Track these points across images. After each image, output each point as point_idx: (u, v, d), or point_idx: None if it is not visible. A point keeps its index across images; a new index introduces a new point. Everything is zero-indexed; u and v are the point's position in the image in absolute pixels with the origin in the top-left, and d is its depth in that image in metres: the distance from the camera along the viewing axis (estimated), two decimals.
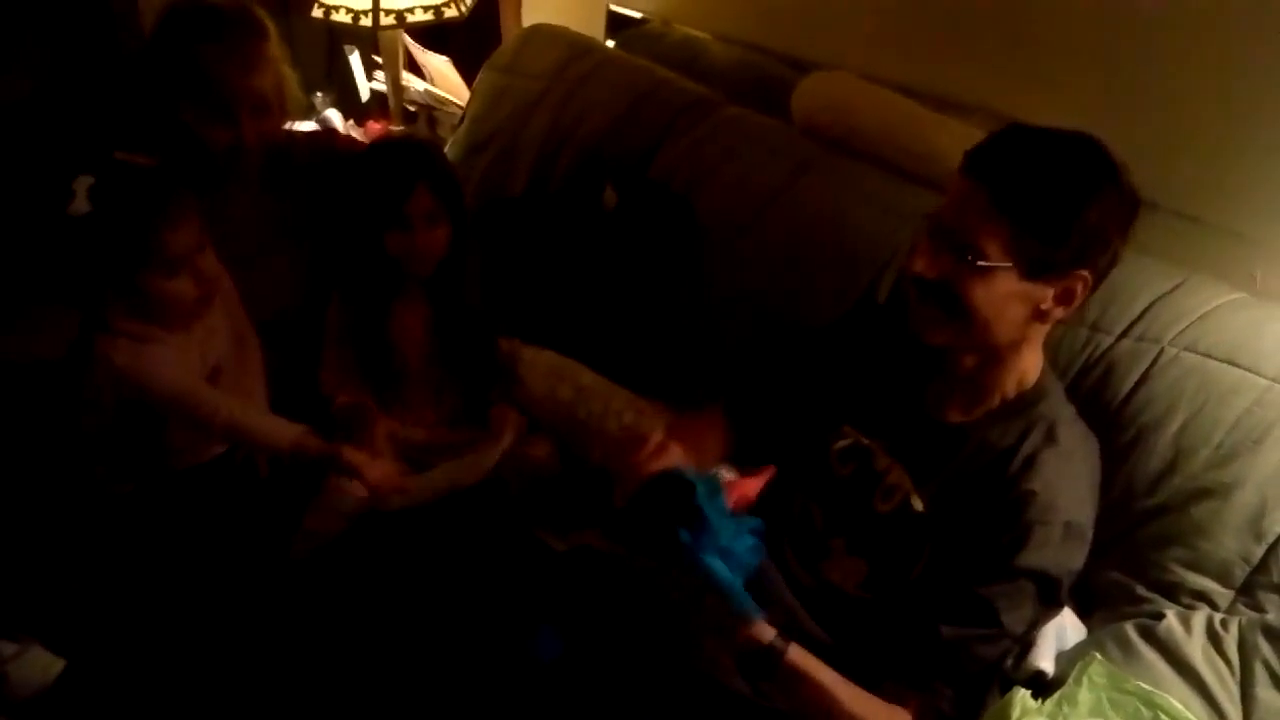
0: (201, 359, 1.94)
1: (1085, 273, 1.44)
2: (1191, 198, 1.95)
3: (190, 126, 1.99)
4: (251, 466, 1.97)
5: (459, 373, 2.11)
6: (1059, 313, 1.49)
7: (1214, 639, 1.48)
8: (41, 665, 1.70)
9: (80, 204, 1.74)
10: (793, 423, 1.76)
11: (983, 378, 1.56)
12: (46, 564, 1.85)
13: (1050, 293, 1.46)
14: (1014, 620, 1.47)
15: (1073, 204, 1.41)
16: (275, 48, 2.06)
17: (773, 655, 1.43)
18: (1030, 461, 1.49)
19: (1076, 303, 1.47)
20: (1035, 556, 1.45)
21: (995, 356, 1.54)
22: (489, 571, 1.79)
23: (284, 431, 1.88)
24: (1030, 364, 1.57)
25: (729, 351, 2.14)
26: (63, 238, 1.77)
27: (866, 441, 1.67)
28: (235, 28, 1.99)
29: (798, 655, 1.44)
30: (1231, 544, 1.54)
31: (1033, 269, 1.44)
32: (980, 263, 1.44)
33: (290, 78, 2.10)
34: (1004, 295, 1.46)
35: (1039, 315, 1.49)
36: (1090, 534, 1.52)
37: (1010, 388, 1.56)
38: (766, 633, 1.43)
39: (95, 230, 1.75)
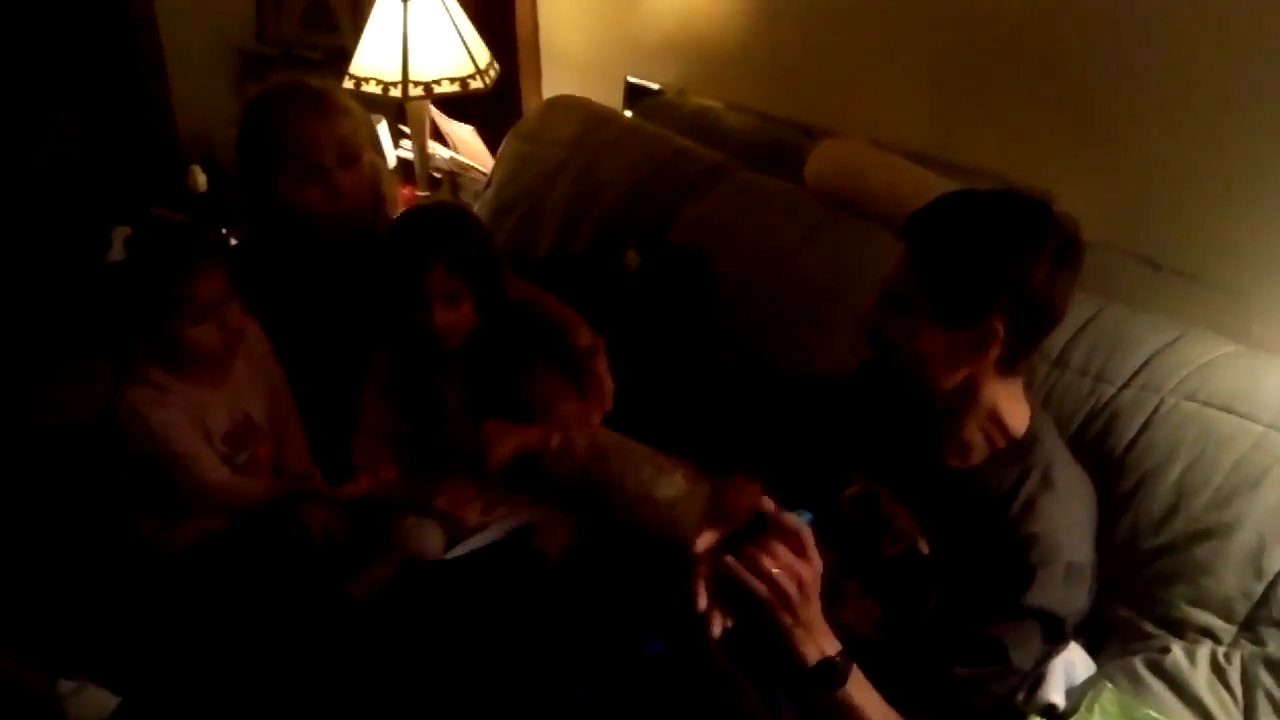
0: (228, 411, 2.01)
1: (995, 320, 1.52)
2: (1191, 257, 2.03)
3: (288, 201, 2.10)
4: (306, 537, 2.00)
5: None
6: (981, 360, 1.57)
7: (1218, 671, 1.54)
8: (98, 702, 1.75)
9: (117, 252, 1.84)
10: (807, 472, 1.83)
11: (956, 423, 1.64)
12: (103, 607, 1.91)
13: (966, 339, 1.55)
14: (1022, 657, 1.53)
15: (968, 256, 1.53)
16: (350, 101, 2.18)
17: (832, 674, 1.48)
18: (1029, 505, 1.56)
19: (994, 350, 1.55)
20: (1040, 596, 1.52)
21: (953, 401, 1.62)
22: (527, 622, 1.84)
23: (257, 489, 2.01)
24: (1009, 414, 1.64)
25: (745, 406, 2.19)
26: (99, 283, 1.85)
27: (874, 488, 1.73)
28: (307, 88, 2.13)
29: (854, 689, 1.49)
30: (1233, 581, 1.60)
31: (943, 316, 1.55)
32: (901, 310, 1.58)
33: (383, 168, 2.19)
34: (924, 341, 1.58)
35: (964, 362, 1.58)
36: (1090, 572, 1.59)
37: (995, 435, 1.64)
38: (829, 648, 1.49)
39: (129, 276, 1.85)
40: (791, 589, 1.41)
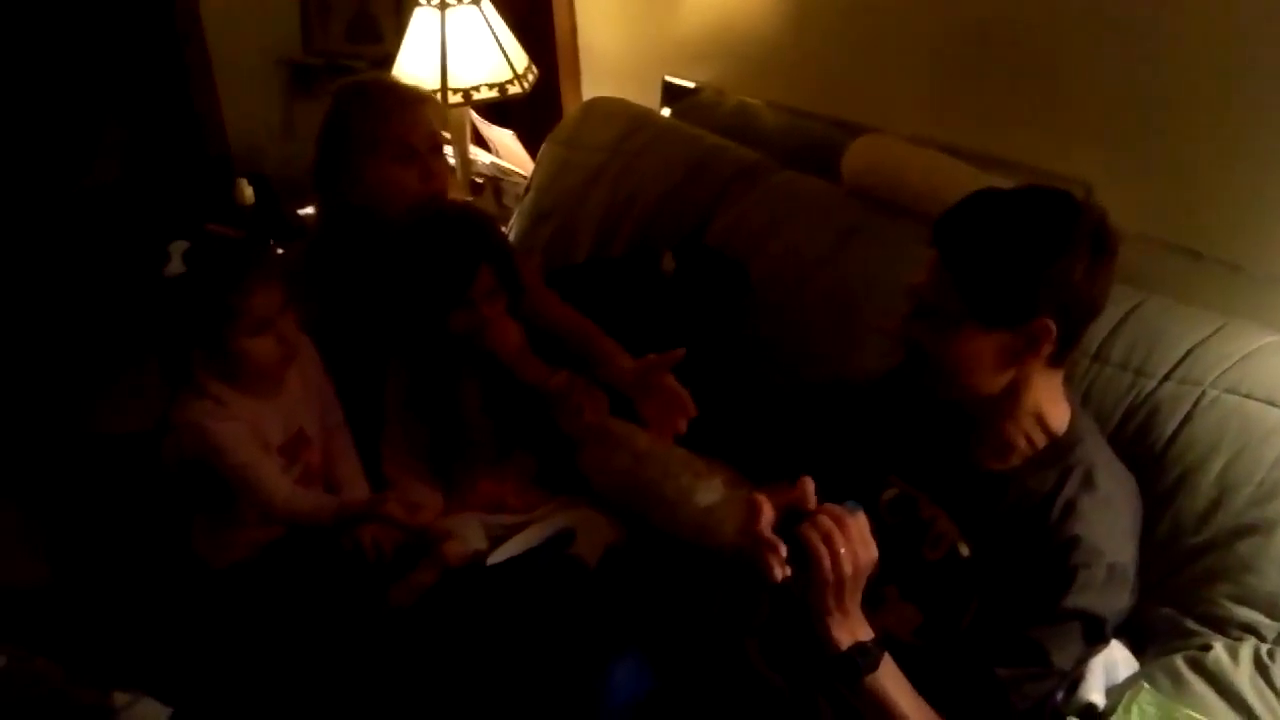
0: (283, 425, 2.05)
1: (1047, 319, 1.51)
2: (1233, 246, 2.00)
3: (381, 180, 2.19)
4: (359, 553, 2.02)
5: (520, 441, 2.16)
6: (1034, 359, 1.55)
7: (1261, 668, 1.52)
8: (152, 715, 1.78)
9: (175, 266, 1.89)
10: (843, 476, 1.83)
11: (998, 426, 1.63)
12: (156, 620, 1.96)
13: (1016, 341, 1.54)
14: (1063, 659, 1.53)
15: (1010, 256, 1.51)
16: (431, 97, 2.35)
17: (864, 659, 1.48)
18: (1070, 507, 1.55)
19: (1047, 347, 1.53)
20: (1082, 598, 1.51)
21: (996, 406, 1.61)
22: (565, 628, 1.85)
23: (328, 504, 2.03)
24: (1051, 412, 1.62)
25: (781, 410, 2.21)
26: (158, 297, 1.90)
27: (912, 491, 1.73)
28: (396, 82, 2.34)
29: (884, 676, 1.49)
30: (1277, 577, 1.58)
31: (989, 320, 1.53)
32: (939, 319, 1.56)
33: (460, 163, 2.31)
34: (969, 348, 1.56)
35: (1014, 363, 1.56)
36: (1133, 573, 1.58)
37: (1037, 435, 1.62)
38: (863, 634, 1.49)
39: (188, 289, 1.89)
40: (848, 569, 1.42)
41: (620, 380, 2.08)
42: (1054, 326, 1.52)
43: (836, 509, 1.44)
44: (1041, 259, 1.50)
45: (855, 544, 1.43)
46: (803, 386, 2.21)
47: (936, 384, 1.64)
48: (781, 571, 1.44)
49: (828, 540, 1.42)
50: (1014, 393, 1.60)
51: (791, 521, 1.45)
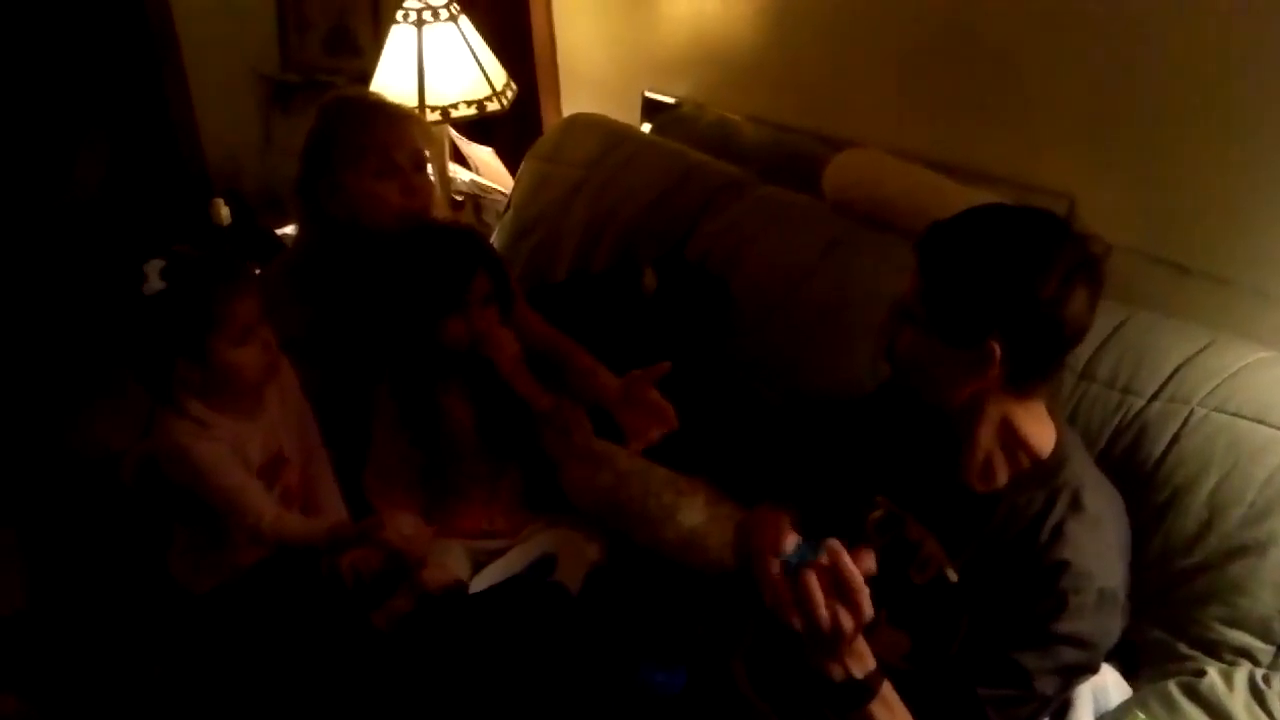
0: (263, 446, 2.01)
1: (992, 343, 1.48)
2: (1221, 260, 1.99)
3: (363, 192, 2.15)
4: (336, 578, 1.98)
5: (509, 459, 2.14)
6: (984, 379, 1.52)
7: (1256, 694, 1.50)
8: None
9: (154, 283, 1.85)
10: (830, 495, 1.79)
11: (971, 440, 1.59)
12: (129, 652, 1.92)
13: (968, 358, 1.51)
14: (1047, 684, 1.49)
15: (968, 277, 1.49)
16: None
17: (861, 692, 1.44)
18: (1059, 531, 1.52)
19: (993, 370, 1.50)
20: (1072, 624, 1.48)
21: (963, 418, 1.58)
22: (547, 657, 1.82)
23: (319, 526, 1.99)
24: (1033, 433, 1.58)
25: (766, 426, 2.18)
26: (138, 315, 1.86)
27: (899, 512, 1.69)
28: (382, 98, 2.31)
29: (876, 709, 1.45)
30: (1270, 600, 1.57)
31: (946, 336, 1.52)
32: (913, 325, 1.55)
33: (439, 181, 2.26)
34: (930, 358, 1.55)
35: (967, 381, 1.54)
36: (1123, 596, 1.54)
37: (1019, 456, 1.59)
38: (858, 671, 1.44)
39: (170, 301, 1.83)
40: (824, 627, 1.37)
41: (603, 395, 2.06)
42: (1000, 352, 1.49)
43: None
44: (998, 284, 1.47)
45: (835, 604, 1.37)
46: (792, 400, 2.19)
47: (911, 387, 1.64)
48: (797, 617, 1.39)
49: (803, 591, 1.37)
50: (978, 407, 1.57)
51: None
